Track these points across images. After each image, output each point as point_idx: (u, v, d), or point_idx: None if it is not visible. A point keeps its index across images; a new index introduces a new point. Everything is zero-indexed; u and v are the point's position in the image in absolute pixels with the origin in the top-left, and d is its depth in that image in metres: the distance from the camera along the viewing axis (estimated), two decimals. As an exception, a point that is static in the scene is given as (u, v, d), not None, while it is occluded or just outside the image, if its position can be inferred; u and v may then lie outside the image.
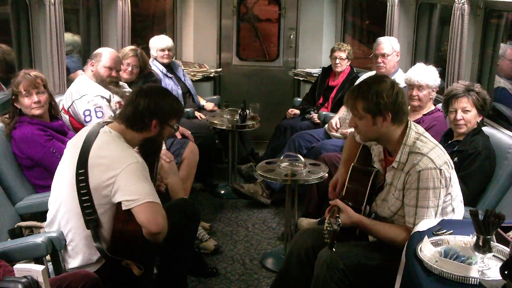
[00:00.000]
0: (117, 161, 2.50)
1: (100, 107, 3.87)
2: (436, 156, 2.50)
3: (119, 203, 2.49)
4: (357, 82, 3.89)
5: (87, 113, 3.86)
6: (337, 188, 2.88)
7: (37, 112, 3.32)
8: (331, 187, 2.93)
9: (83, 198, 2.52)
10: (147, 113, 2.65)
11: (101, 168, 2.51)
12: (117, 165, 2.48)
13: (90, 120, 3.82)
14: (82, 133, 2.71)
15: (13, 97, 3.31)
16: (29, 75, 3.31)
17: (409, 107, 3.65)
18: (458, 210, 2.64)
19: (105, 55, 4.06)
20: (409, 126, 2.59)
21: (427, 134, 2.63)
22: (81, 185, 2.52)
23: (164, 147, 4.03)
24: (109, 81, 4.05)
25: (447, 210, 2.58)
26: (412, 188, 2.50)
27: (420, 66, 4.02)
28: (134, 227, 2.47)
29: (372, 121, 2.53)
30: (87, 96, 3.88)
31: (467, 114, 3.37)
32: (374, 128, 2.54)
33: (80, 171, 2.53)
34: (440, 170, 2.47)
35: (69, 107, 3.90)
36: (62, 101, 3.92)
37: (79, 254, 2.62)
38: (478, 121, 3.41)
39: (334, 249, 2.45)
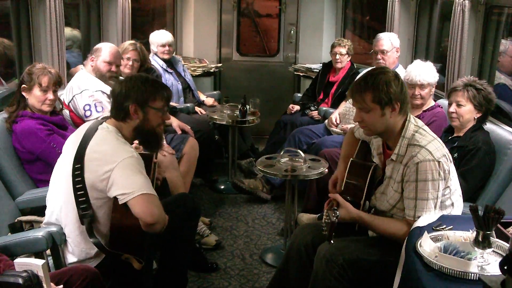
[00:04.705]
0: (112, 156, 2.50)
1: (100, 102, 3.86)
2: (435, 148, 2.51)
3: (116, 198, 2.50)
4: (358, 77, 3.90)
5: (87, 107, 3.85)
6: (337, 186, 2.87)
7: (47, 108, 3.35)
8: (331, 185, 2.92)
9: (79, 193, 2.52)
10: (122, 98, 2.62)
11: (97, 163, 2.51)
12: (112, 160, 2.48)
13: (90, 115, 3.82)
14: (81, 129, 2.71)
15: (24, 86, 3.30)
16: (50, 71, 3.32)
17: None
18: (457, 205, 2.65)
19: (104, 49, 4.05)
20: (408, 119, 2.60)
21: (426, 128, 2.64)
22: (76, 179, 2.52)
23: (164, 141, 4.03)
24: (109, 76, 4.03)
25: (446, 204, 2.59)
26: (411, 181, 2.50)
27: (418, 64, 3.99)
28: (132, 221, 2.47)
29: (381, 112, 2.53)
30: (88, 91, 3.88)
31: (460, 108, 3.40)
32: (382, 119, 2.54)
33: (76, 166, 2.53)
34: (439, 162, 2.48)
35: (70, 101, 3.90)
36: (63, 96, 3.91)
37: (77, 249, 2.63)
38: (476, 117, 3.41)
39: (332, 241, 2.46)
